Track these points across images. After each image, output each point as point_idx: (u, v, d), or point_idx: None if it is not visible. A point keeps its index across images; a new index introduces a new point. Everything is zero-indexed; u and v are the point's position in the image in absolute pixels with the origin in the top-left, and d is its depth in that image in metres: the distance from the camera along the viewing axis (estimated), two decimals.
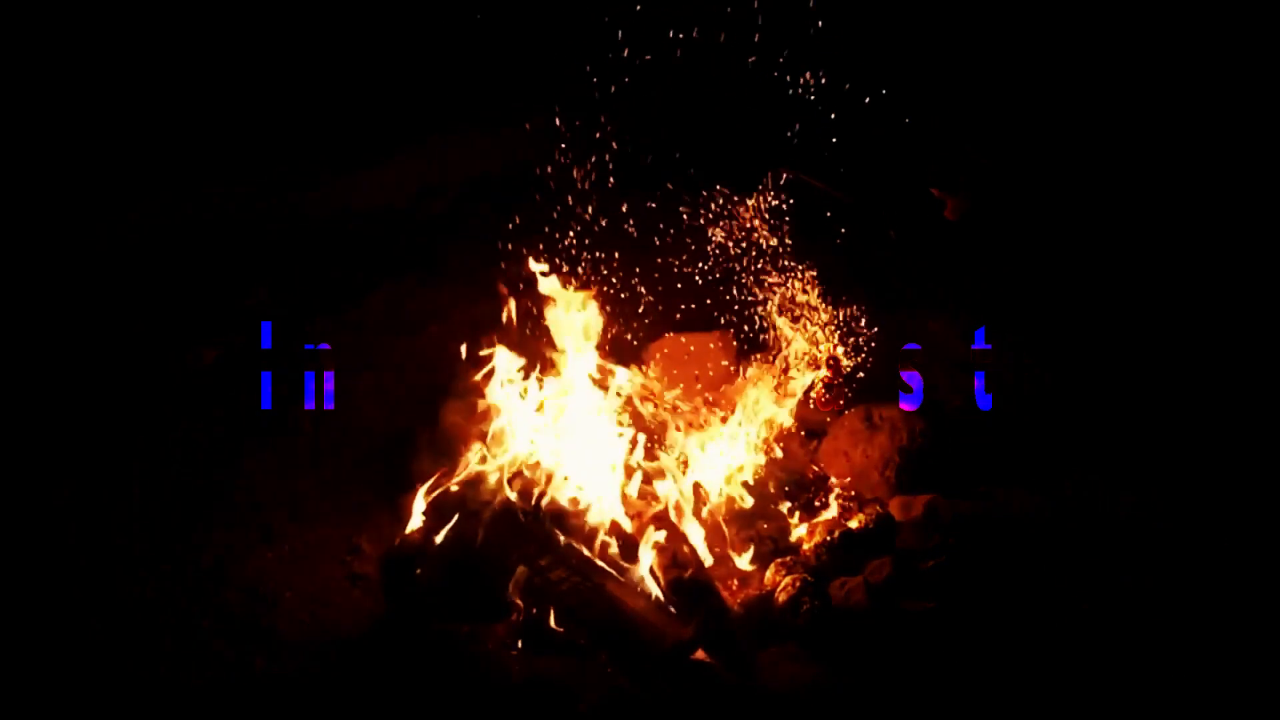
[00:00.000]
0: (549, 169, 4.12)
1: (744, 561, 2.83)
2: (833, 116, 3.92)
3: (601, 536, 2.67)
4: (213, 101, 5.90)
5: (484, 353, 3.10)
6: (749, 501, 2.99)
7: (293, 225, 4.91)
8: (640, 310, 3.86)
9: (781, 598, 2.58)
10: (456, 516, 2.72)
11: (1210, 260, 3.60)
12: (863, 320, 3.47)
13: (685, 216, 4.08)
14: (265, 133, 5.69)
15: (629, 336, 3.71)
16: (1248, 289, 3.54)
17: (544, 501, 2.73)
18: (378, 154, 5.62)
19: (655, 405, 3.23)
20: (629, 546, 2.67)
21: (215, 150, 5.52)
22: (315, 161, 5.52)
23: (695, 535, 2.82)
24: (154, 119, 5.72)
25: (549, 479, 2.79)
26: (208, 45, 6.13)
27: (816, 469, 3.18)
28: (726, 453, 3.10)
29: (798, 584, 2.58)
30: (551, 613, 2.51)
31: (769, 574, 2.71)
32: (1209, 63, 3.23)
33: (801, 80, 3.95)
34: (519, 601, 2.55)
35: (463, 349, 3.15)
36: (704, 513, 2.95)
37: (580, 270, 3.51)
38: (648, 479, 2.90)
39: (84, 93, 5.75)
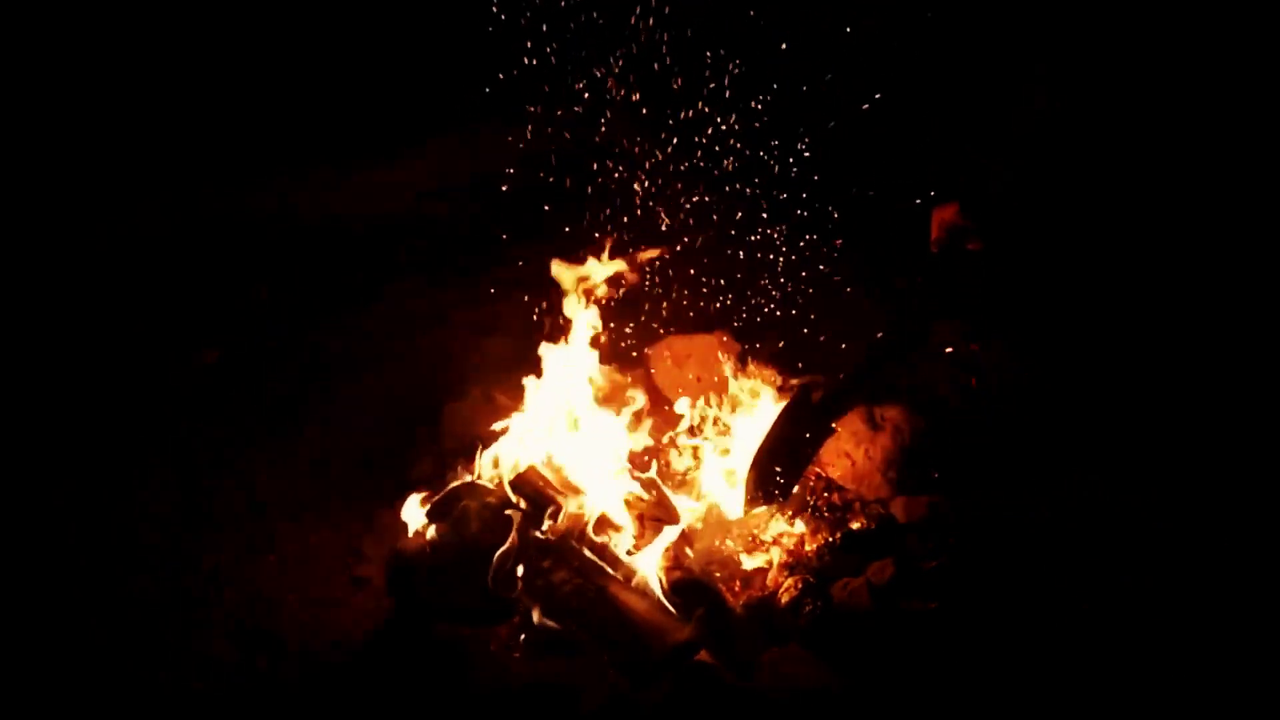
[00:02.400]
0: (549, 170, 4.13)
1: (747, 563, 2.82)
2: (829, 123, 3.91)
3: (604, 538, 2.67)
4: (214, 104, 5.90)
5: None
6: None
7: (295, 228, 4.92)
8: (642, 311, 3.86)
9: (784, 599, 2.58)
10: (459, 519, 2.72)
11: (1210, 260, 3.59)
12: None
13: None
14: (267, 136, 5.69)
15: (629, 338, 3.71)
16: (1249, 289, 3.54)
17: (546, 504, 2.73)
18: (379, 156, 5.63)
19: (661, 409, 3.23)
20: (631, 548, 2.67)
21: (217, 153, 5.53)
22: (317, 164, 5.52)
23: (697, 536, 2.82)
24: (156, 121, 5.72)
25: (552, 481, 2.79)
26: (209, 47, 6.13)
27: (818, 471, 3.18)
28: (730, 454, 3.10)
29: (800, 585, 2.58)
30: (547, 612, 2.51)
31: (771, 575, 2.71)
32: (1210, 62, 3.22)
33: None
34: (521, 603, 2.55)
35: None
36: (706, 515, 2.95)
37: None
38: (651, 481, 2.90)
39: (86, 95, 5.75)
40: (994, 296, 3.37)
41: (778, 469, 2.76)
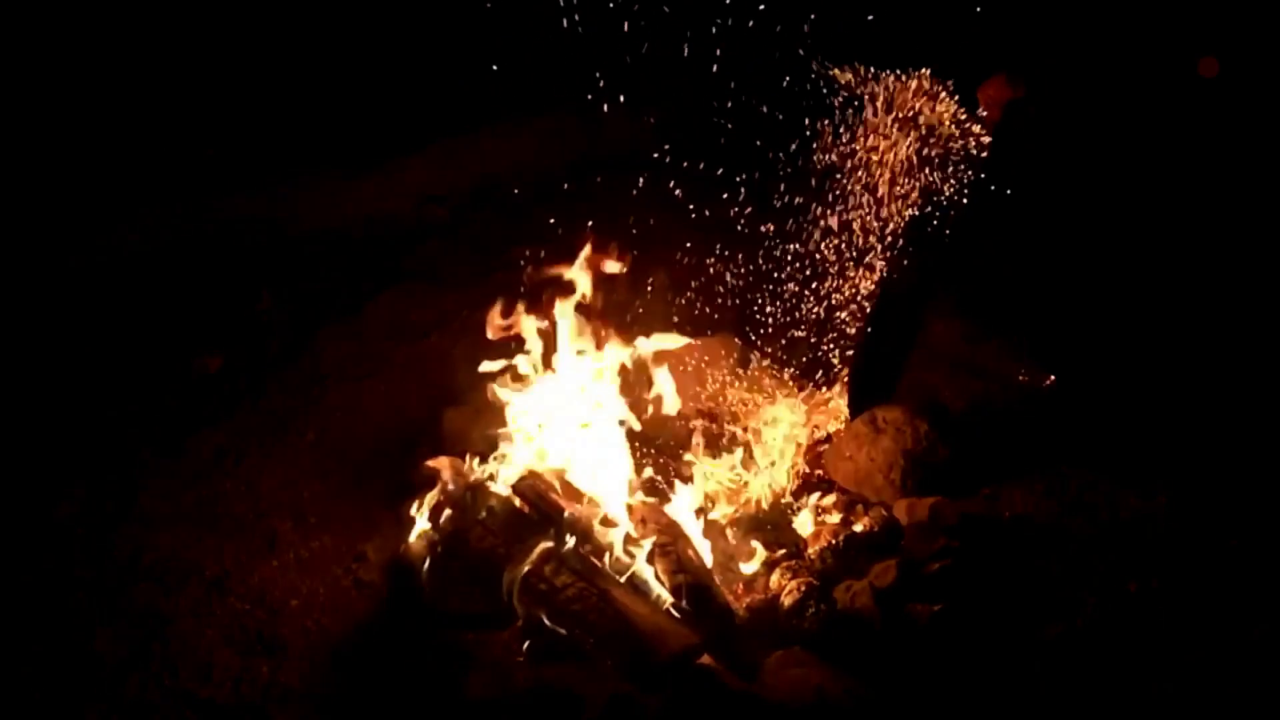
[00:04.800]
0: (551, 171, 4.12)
1: (750, 566, 2.82)
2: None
3: (606, 541, 2.67)
4: (215, 109, 5.92)
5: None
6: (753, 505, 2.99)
7: (296, 233, 4.93)
8: (640, 314, 3.85)
9: (787, 602, 2.57)
10: (461, 523, 2.72)
11: (1212, 260, 3.58)
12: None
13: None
14: (267, 140, 5.71)
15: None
16: (1251, 288, 3.53)
17: (549, 507, 2.72)
18: (379, 161, 5.64)
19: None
20: (633, 551, 2.66)
21: (218, 158, 5.54)
22: (318, 169, 5.53)
23: (700, 539, 2.82)
24: (157, 127, 5.74)
25: (554, 484, 2.79)
26: (209, 52, 6.15)
27: (821, 473, 3.18)
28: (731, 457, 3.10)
29: (803, 588, 2.58)
30: (550, 616, 2.50)
31: (774, 578, 2.71)
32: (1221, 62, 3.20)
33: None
34: (524, 608, 2.54)
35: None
36: (709, 517, 2.95)
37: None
38: (654, 484, 2.90)
39: (87, 101, 5.77)
40: (1049, 168, 3.22)
41: (877, 369, 2.71)
